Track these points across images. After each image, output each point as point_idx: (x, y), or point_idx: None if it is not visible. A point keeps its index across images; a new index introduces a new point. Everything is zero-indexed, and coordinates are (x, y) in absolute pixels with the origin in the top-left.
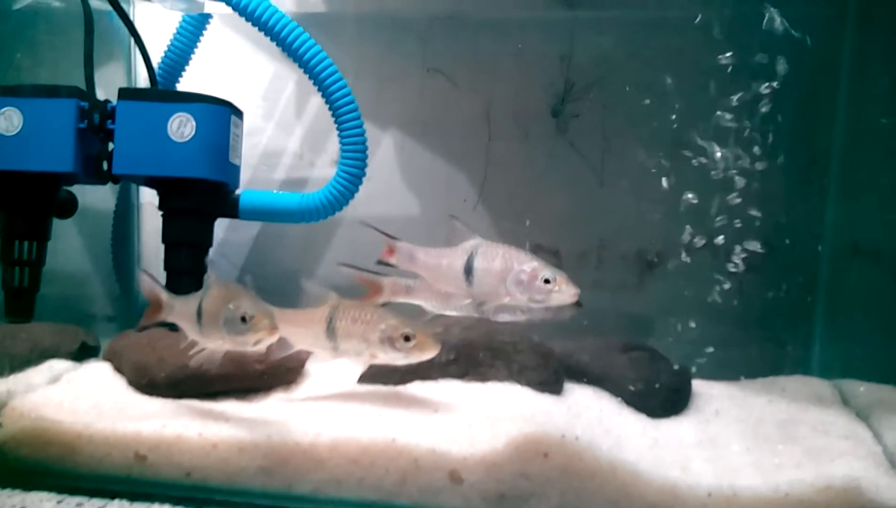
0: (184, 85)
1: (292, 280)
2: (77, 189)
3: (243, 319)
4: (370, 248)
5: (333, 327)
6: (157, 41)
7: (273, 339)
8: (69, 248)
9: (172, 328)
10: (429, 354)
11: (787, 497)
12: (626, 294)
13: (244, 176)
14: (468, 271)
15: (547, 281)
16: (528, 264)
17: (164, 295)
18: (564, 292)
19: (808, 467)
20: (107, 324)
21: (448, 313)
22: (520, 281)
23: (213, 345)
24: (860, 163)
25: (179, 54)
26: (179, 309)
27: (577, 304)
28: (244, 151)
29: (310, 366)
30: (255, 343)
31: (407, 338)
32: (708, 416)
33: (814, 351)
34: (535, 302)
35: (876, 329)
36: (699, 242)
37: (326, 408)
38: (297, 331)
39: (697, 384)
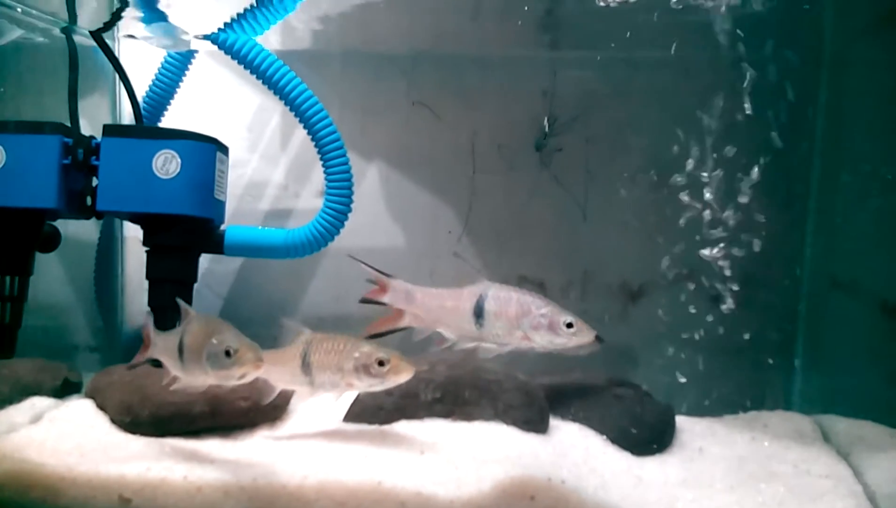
0: (168, 116)
1: (277, 311)
2: (60, 221)
3: (227, 353)
4: (355, 280)
5: (308, 361)
6: (142, 77)
7: (259, 372)
8: (51, 279)
9: (158, 364)
10: (404, 377)
11: None
12: (609, 325)
13: (229, 208)
14: (478, 313)
15: (570, 325)
16: (545, 309)
17: (151, 332)
18: (586, 334)
19: (791, 506)
20: (89, 355)
21: (466, 343)
22: (539, 325)
23: (196, 381)
24: (837, 199)
25: (164, 90)
26: (162, 345)
27: (598, 339)
28: (229, 183)
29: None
30: (241, 377)
31: (381, 363)
32: (692, 453)
33: (795, 384)
34: (556, 345)
35: (855, 362)
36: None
37: (312, 448)
38: (273, 370)
39: (681, 421)
